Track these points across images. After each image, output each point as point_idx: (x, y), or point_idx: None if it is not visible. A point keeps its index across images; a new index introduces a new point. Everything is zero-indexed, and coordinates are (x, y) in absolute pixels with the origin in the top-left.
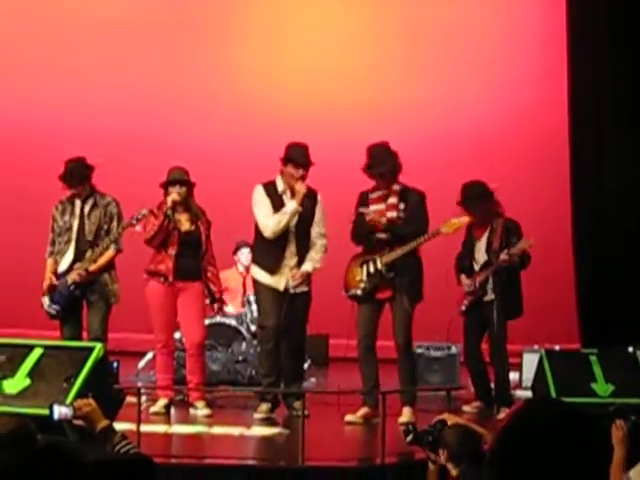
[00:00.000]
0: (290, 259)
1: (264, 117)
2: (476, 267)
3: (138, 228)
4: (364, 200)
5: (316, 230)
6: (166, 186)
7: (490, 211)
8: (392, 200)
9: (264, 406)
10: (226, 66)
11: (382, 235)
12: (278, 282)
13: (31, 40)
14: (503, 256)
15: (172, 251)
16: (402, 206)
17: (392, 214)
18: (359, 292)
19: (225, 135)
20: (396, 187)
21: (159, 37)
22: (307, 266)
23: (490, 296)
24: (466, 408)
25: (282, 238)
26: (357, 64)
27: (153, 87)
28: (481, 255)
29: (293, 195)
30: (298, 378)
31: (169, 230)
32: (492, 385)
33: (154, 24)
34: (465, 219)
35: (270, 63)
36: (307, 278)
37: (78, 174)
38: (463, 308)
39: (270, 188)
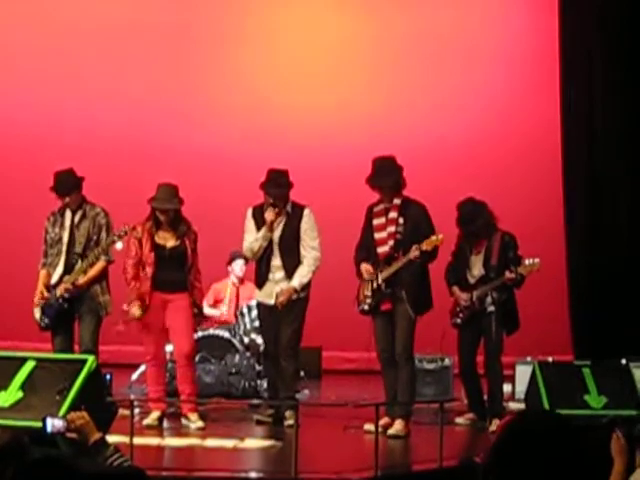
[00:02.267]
0: (276, 273)
1: (260, 129)
2: (471, 280)
3: (120, 245)
4: (369, 213)
5: (304, 244)
6: (153, 208)
7: (486, 226)
8: (392, 215)
9: (268, 411)
10: (223, 74)
11: (383, 249)
12: (267, 297)
13: (22, 47)
14: (509, 275)
15: (149, 271)
16: (401, 220)
17: (391, 229)
18: (365, 307)
19: (220, 147)
20: (397, 201)
21: (155, 43)
22: (293, 282)
23: (490, 308)
24: (459, 420)
25: (266, 254)
26: (351, 70)
27: (149, 96)
28: (477, 269)
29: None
30: (291, 383)
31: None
32: (485, 397)
33: (150, 30)
34: (441, 237)
35: (266, 70)
36: (305, 287)
37: (68, 183)
38: (458, 321)
39: (258, 210)
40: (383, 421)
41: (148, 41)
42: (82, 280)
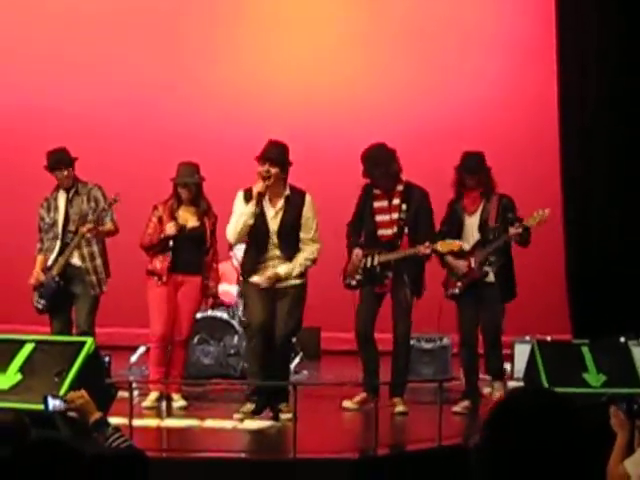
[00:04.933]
0: (272, 262)
1: (262, 112)
2: (465, 247)
3: (109, 217)
4: (369, 193)
5: (302, 235)
6: (175, 185)
7: (486, 184)
8: (395, 201)
9: (247, 406)
10: (226, 57)
11: (385, 232)
12: (257, 277)
13: (25, 30)
14: (514, 230)
15: (168, 251)
16: (404, 207)
17: (395, 215)
18: (353, 282)
19: (222, 131)
20: (400, 187)
21: (155, 29)
22: (280, 268)
23: (490, 278)
24: (456, 409)
25: (263, 242)
26: (348, 53)
27: (152, 79)
28: (472, 233)
29: (271, 201)
30: (285, 373)
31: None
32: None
33: (151, 15)
34: (459, 243)
35: (267, 58)
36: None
37: (64, 158)
38: (457, 291)
39: (249, 193)
40: (360, 397)
41: (144, 21)
42: (104, 228)
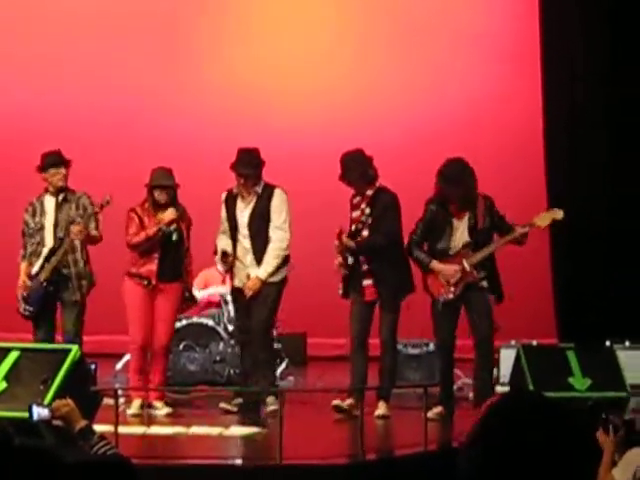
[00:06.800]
0: (243, 257)
1: (246, 116)
2: (451, 250)
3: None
4: (351, 204)
5: (271, 225)
6: (151, 189)
7: (467, 197)
8: (363, 206)
9: (237, 400)
10: (217, 61)
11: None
12: (239, 282)
13: (16, 33)
14: (522, 230)
15: (156, 254)
16: (368, 211)
17: (363, 219)
18: (340, 291)
19: (208, 135)
20: (369, 192)
21: (147, 34)
22: (259, 272)
23: (484, 282)
24: (429, 415)
25: (233, 236)
26: (340, 56)
27: (138, 85)
28: (461, 235)
29: (243, 198)
30: (265, 370)
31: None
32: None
33: (143, 21)
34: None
35: (253, 57)
36: (278, 271)
37: (60, 158)
38: (451, 296)
39: (230, 195)
40: (349, 402)
41: (135, 27)
42: (94, 232)
